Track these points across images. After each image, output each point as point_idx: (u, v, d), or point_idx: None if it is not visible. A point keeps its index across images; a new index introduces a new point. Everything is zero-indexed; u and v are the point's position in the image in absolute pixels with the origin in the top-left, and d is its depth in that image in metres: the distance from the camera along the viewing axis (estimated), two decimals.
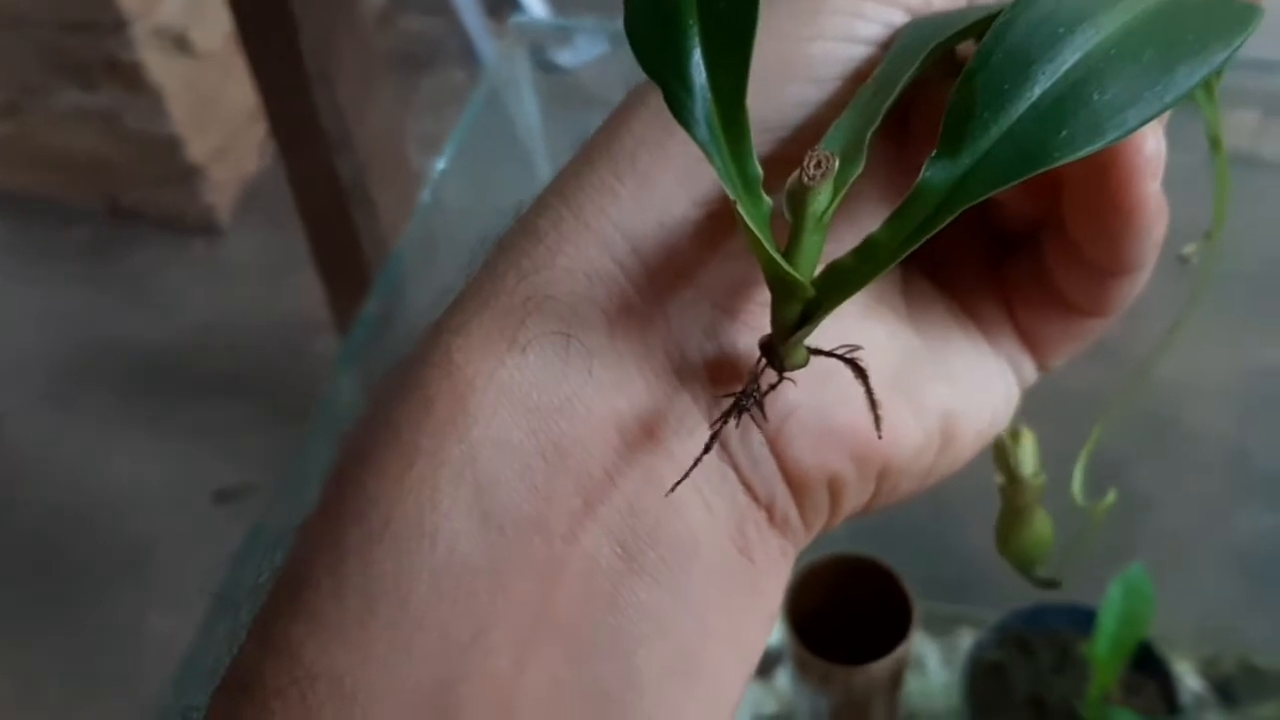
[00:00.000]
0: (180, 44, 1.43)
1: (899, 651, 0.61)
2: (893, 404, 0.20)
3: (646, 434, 0.19)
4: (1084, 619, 0.66)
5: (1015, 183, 0.17)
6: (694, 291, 0.19)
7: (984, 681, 0.67)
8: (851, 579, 0.65)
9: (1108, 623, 0.62)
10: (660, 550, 0.18)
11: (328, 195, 0.92)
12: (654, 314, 0.19)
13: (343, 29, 0.87)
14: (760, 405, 0.18)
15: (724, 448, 0.19)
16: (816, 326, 0.18)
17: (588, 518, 0.18)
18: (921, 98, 0.20)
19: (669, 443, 0.19)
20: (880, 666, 0.61)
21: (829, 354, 0.18)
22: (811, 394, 0.19)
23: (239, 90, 1.45)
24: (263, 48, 0.87)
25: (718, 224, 0.20)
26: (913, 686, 0.74)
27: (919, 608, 0.63)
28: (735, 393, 0.18)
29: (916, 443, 0.21)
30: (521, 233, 0.20)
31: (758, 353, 0.19)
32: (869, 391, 0.18)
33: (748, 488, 0.20)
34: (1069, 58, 0.18)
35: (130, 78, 1.40)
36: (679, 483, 0.18)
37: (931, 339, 0.22)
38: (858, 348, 0.18)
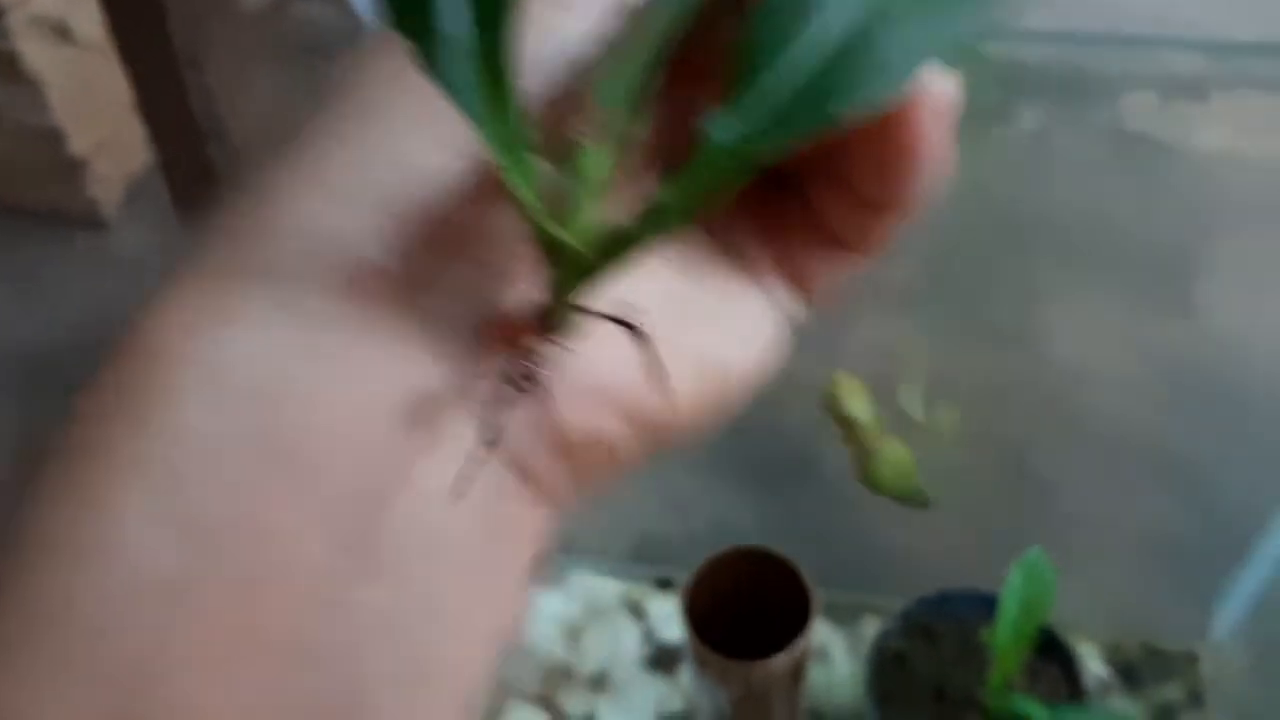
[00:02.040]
0: (60, 32, 1.37)
1: (796, 646, 0.59)
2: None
3: (387, 415, 0.16)
4: (988, 605, 0.65)
5: (806, 134, 0.15)
6: (455, 252, 0.17)
7: (887, 672, 0.66)
8: (752, 573, 0.64)
9: (1009, 607, 0.61)
10: (396, 547, 0.16)
11: (202, 184, 0.88)
12: (406, 278, 0.17)
13: (215, 14, 0.83)
14: (534, 378, 0.16)
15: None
16: (594, 293, 0.16)
17: (309, 516, 0.15)
18: (699, 37, 0.17)
19: (419, 423, 0.16)
20: (778, 661, 0.59)
21: (608, 318, 0.16)
22: (577, 354, 0.17)
23: (123, 81, 1.39)
24: (131, 32, 0.83)
25: (483, 177, 0.17)
26: (818, 677, 0.73)
27: (824, 598, 0.62)
28: (504, 368, 0.16)
29: (685, 392, 0.19)
30: (244, 193, 0.17)
31: (529, 318, 0.16)
32: (653, 357, 0.16)
33: (509, 460, 0.17)
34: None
35: (7, 68, 1.34)
36: (457, 487, 0.16)
37: (693, 281, 0.20)
38: (633, 307, 0.16)
